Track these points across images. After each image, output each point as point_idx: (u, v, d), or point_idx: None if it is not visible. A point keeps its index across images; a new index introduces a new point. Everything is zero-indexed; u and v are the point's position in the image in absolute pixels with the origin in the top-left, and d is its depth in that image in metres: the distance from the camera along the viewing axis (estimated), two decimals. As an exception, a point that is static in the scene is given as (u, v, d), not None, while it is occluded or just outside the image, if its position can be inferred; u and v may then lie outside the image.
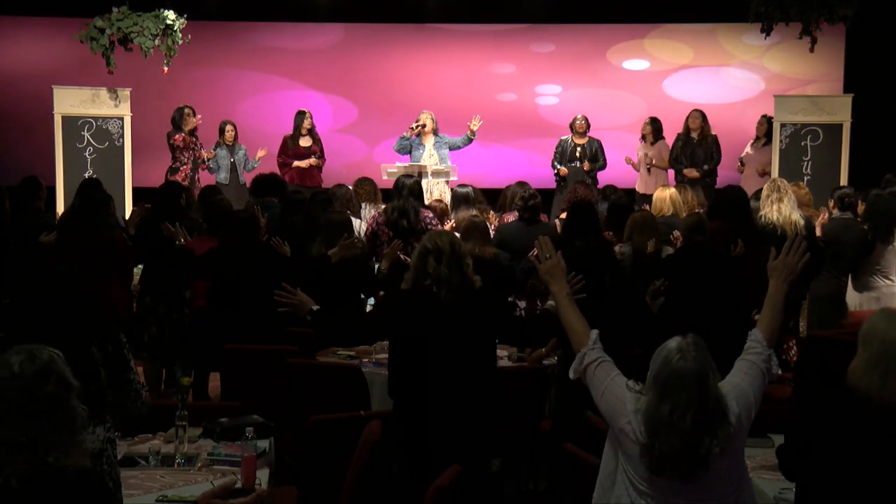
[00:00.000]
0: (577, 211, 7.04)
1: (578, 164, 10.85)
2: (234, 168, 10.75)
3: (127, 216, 9.32)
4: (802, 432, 3.16)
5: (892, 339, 3.04)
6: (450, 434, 4.16)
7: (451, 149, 10.18)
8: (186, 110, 10.52)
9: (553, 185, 11.09)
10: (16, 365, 2.46)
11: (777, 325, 3.42)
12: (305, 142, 10.74)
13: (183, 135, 10.42)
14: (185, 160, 10.44)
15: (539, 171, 11.95)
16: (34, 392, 2.45)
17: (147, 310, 7.06)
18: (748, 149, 10.96)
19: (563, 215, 8.87)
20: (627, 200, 7.61)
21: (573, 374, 3.38)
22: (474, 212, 7.78)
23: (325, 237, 6.56)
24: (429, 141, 10.10)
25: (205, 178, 10.68)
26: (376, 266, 6.91)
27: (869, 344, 3.07)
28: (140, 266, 7.34)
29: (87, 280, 3.60)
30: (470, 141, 10.28)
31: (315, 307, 4.31)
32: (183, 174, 10.32)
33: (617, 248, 6.83)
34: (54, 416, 2.46)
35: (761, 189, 7.56)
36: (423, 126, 10.07)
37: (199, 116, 10.70)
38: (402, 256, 6.88)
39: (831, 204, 7.85)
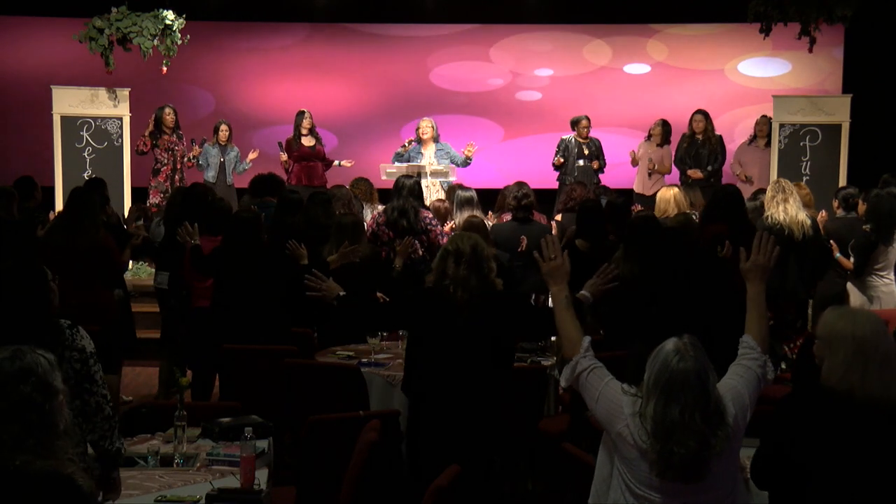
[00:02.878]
0: (586, 212, 6.98)
1: (586, 162, 10.76)
2: (222, 168, 10.68)
3: (125, 215, 9.34)
4: (782, 436, 3.16)
5: (862, 335, 3.10)
6: (452, 433, 4.19)
7: (451, 162, 10.05)
8: (167, 109, 10.48)
9: (552, 184, 11.07)
10: None
11: (765, 327, 3.41)
12: (308, 141, 10.65)
13: (167, 136, 10.39)
14: (166, 160, 10.40)
15: (537, 170, 11.93)
16: (7, 392, 2.44)
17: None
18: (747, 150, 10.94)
19: (559, 217, 8.86)
20: (624, 200, 7.57)
21: (564, 383, 3.35)
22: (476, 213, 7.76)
23: (336, 240, 6.38)
24: (429, 149, 9.93)
25: (191, 176, 10.55)
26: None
27: (839, 345, 3.10)
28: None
29: (40, 282, 3.45)
30: (468, 162, 10.00)
31: (342, 293, 4.55)
32: (164, 175, 10.28)
33: None
34: (27, 419, 2.44)
35: (758, 190, 7.53)
36: (423, 134, 9.93)
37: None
38: (411, 253, 6.85)
39: (835, 204, 7.84)
